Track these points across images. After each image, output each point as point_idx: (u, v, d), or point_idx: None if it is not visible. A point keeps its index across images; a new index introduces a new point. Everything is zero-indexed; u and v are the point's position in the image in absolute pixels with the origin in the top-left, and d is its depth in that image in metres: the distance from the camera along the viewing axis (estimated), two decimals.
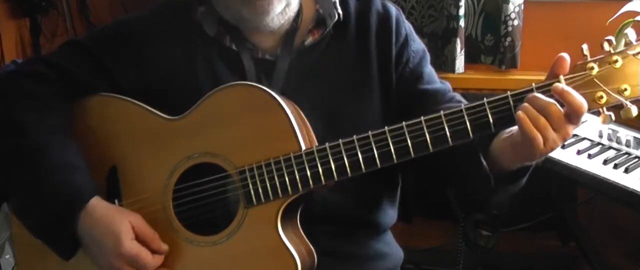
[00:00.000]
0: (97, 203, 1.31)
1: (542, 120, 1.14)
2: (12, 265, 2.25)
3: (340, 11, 1.43)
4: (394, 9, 1.48)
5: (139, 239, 1.31)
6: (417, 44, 1.49)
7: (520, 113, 1.15)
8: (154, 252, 1.32)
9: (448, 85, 1.49)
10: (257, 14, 1.35)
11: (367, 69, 1.43)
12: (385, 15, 1.46)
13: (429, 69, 1.49)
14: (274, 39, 1.43)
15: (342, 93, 1.42)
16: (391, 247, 1.58)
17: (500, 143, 1.26)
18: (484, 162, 1.28)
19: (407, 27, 1.49)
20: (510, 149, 1.23)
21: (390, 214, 1.56)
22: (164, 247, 1.33)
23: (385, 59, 1.44)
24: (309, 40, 1.42)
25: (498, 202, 1.40)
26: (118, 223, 1.29)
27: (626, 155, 1.94)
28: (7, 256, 2.29)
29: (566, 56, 1.18)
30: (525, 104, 1.16)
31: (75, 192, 1.30)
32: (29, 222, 1.35)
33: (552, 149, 1.17)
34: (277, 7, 1.35)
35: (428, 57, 1.51)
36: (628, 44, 1.16)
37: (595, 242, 2.60)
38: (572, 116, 1.15)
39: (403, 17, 1.50)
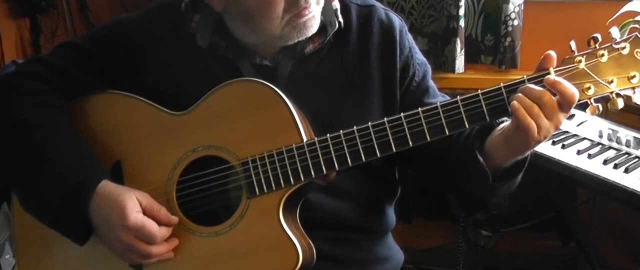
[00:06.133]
0: (105, 184, 1.33)
1: (536, 108, 1.21)
2: (12, 265, 2.25)
3: (341, 20, 1.42)
4: (397, 20, 1.48)
5: (146, 213, 1.31)
6: (420, 56, 1.51)
7: (515, 103, 1.22)
8: (161, 224, 1.32)
9: (448, 98, 1.50)
10: (302, 34, 1.36)
11: (367, 78, 1.44)
12: (388, 26, 1.46)
13: (432, 83, 1.52)
14: (272, 45, 1.42)
15: (341, 101, 1.42)
16: (392, 250, 1.58)
17: (494, 140, 1.31)
18: (481, 159, 1.31)
19: (410, 38, 1.50)
20: (503, 143, 1.29)
21: (390, 217, 1.56)
22: (173, 219, 1.34)
23: (389, 71, 1.45)
24: (309, 48, 1.42)
25: (496, 201, 1.43)
26: (124, 199, 1.30)
27: (626, 155, 1.93)
28: (7, 256, 2.29)
29: (552, 53, 1.25)
30: (519, 94, 1.22)
31: (87, 177, 1.32)
32: (41, 213, 1.36)
33: (545, 137, 1.23)
34: (317, 25, 1.36)
35: (430, 70, 1.52)
36: (613, 40, 1.24)
37: (595, 242, 2.60)
38: (564, 105, 1.22)
39: (406, 28, 1.50)
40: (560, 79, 1.22)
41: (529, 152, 1.30)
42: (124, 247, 1.31)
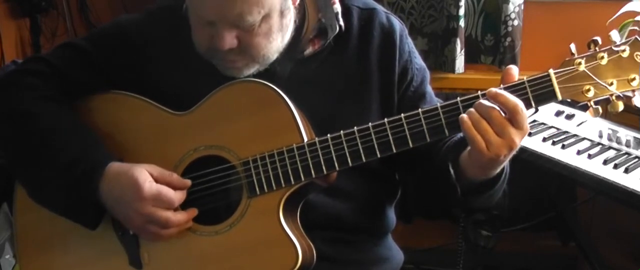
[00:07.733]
0: (112, 165, 1.33)
1: (484, 123, 1.20)
2: (12, 265, 2.25)
3: (342, 23, 1.42)
4: (397, 24, 1.48)
5: (159, 181, 1.32)
6: (420, 61, 1.51)
7: (463, 116, 1.22)
8: (176, 189, 1.33)
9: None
10: (232, 75, 1.38)
11: (367, 81, 1.44)
12: (389, 30, 1.46)
13: (430, 89, 1.52)
14: None
15: (340, 104, 1.43)
16: (391, 251, 1.58)
17: (464, 154, 1.31)
18: (452, 171, 1.32)
19: (410, 42, 1.50)
20: (468, 157, 1.29)
21: (391, 218, 1.56)
22: (186, 181, 1.35)
23: (388, 74, 1.45)
24: (309, 50, 1.42)
25: (478, 209, 1.41)
26: (134, 173, 1.31)
27: (626, 155, 1.93)
28: (7, 256, 2.29)
29: (514, 67, 1.26)
30: (471, 109, 1.23)
31: (95, 163, 1.33)
32: (51, 202, 1.37)
33: (498, 155, 1.22)
34: (249, 71, 1.37)
35: (428, 75, 1.52)
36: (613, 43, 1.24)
37: (595, 242, 2.60)
38: (513, 119, 1.20)
39: (406, 32, 1.50)
40: (501, 91, 1.21)
41: (497, 171, 1.29)
42: (144, 219, 1.31)
